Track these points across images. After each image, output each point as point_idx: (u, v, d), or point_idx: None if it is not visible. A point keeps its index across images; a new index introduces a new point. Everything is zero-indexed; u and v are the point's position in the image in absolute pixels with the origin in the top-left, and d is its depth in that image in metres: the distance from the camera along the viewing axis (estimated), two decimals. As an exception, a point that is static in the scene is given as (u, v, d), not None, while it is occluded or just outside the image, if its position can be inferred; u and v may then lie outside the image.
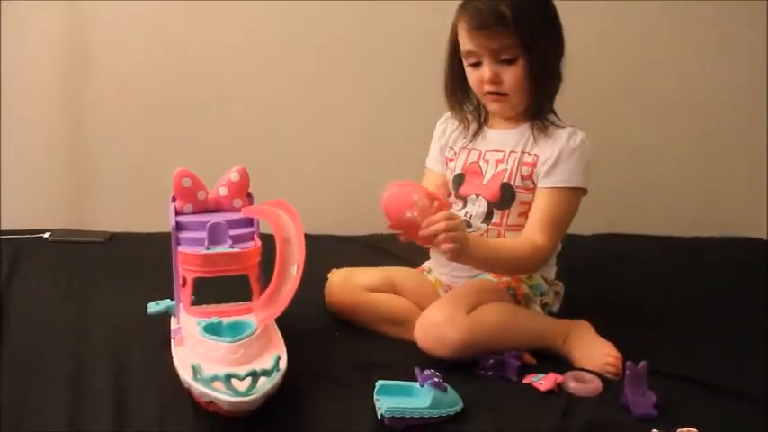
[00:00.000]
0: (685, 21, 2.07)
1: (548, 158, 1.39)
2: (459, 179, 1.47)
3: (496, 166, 1.43)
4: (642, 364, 1.19)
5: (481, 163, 1.44)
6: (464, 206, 1.45)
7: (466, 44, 1.38)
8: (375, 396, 1.14)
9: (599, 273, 1.76)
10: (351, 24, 2.00)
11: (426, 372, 1.16)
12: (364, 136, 2.07)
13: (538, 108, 1.41)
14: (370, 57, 2.02)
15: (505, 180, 1.41)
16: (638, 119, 2.13)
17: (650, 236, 2.05)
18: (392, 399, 1.12)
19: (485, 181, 1.43)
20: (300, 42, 2.00)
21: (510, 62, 1.36)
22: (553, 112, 1.44)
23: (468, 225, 1.42)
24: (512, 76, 1.37)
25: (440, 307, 1.31)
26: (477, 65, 1.39)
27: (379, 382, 1.15)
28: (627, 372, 1.19)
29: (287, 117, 2.04)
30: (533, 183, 1.40)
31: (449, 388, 1.15)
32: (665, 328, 1.49)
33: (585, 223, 1.96)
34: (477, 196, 1.43)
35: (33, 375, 1.19)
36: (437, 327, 1.27)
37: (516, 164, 1.41)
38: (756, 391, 1.23)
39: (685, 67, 2.11)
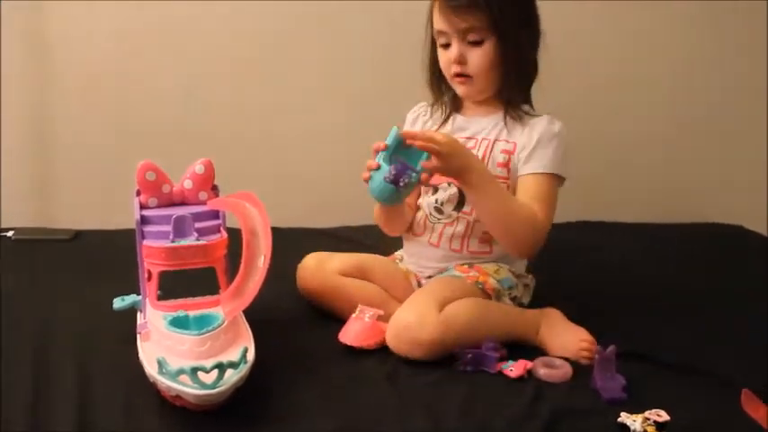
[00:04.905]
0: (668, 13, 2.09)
1: (526, 144, 1.37)
2: None
3: None
4: (610, 348, 1.20)
5: None
6: (434, 193, 1.43)
7: (437, 23, 1.38)
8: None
9: (571, 260, 1.76)
10: (319, 15, 1.98)
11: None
12: (333, 128, 2.05)
13: (508, 95, 1.40)
14: (339, 47, 2.01)
15: None
16: (617, 107, 2.14)
17: (622, 223, 2.07)
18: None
19: None
20: (266, 34, 1.99)
21: (477, 44, 1.35)
22: (529, 103, 1.43)
23: (440, 212, 1.41)
24: (477, 57, 1.36)
25: (410, 308, 1.29)
26: (447, 46, 1.38)
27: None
28: (596, 356, 1.19)
29: (252, 109, 2.02)
30: (509, 171, 1.38)
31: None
32: (637, 313, 1.49)
33: (562, 211, 1.98)
34: (450, 183, 1.41)
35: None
36: (409, 329, 1.25)
37: (489, 151, 1.39)
38: (725, 373, 1.24)
39: (668, 59, 2.13)
